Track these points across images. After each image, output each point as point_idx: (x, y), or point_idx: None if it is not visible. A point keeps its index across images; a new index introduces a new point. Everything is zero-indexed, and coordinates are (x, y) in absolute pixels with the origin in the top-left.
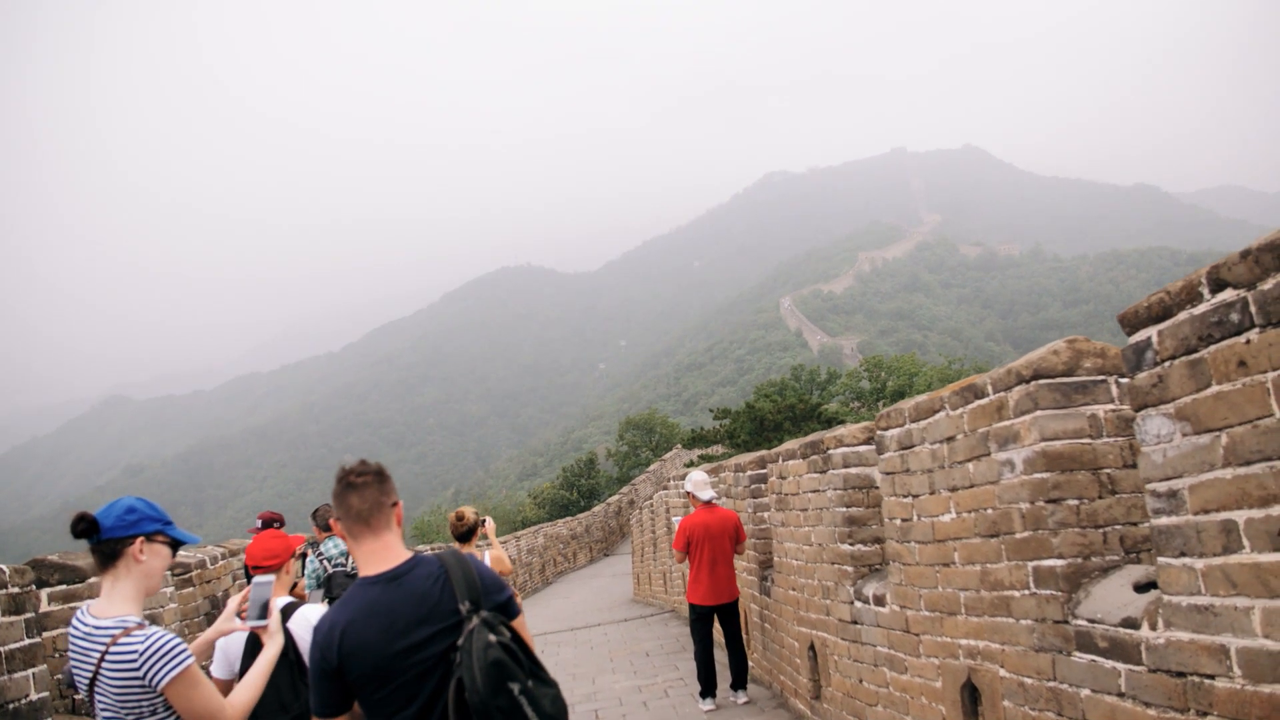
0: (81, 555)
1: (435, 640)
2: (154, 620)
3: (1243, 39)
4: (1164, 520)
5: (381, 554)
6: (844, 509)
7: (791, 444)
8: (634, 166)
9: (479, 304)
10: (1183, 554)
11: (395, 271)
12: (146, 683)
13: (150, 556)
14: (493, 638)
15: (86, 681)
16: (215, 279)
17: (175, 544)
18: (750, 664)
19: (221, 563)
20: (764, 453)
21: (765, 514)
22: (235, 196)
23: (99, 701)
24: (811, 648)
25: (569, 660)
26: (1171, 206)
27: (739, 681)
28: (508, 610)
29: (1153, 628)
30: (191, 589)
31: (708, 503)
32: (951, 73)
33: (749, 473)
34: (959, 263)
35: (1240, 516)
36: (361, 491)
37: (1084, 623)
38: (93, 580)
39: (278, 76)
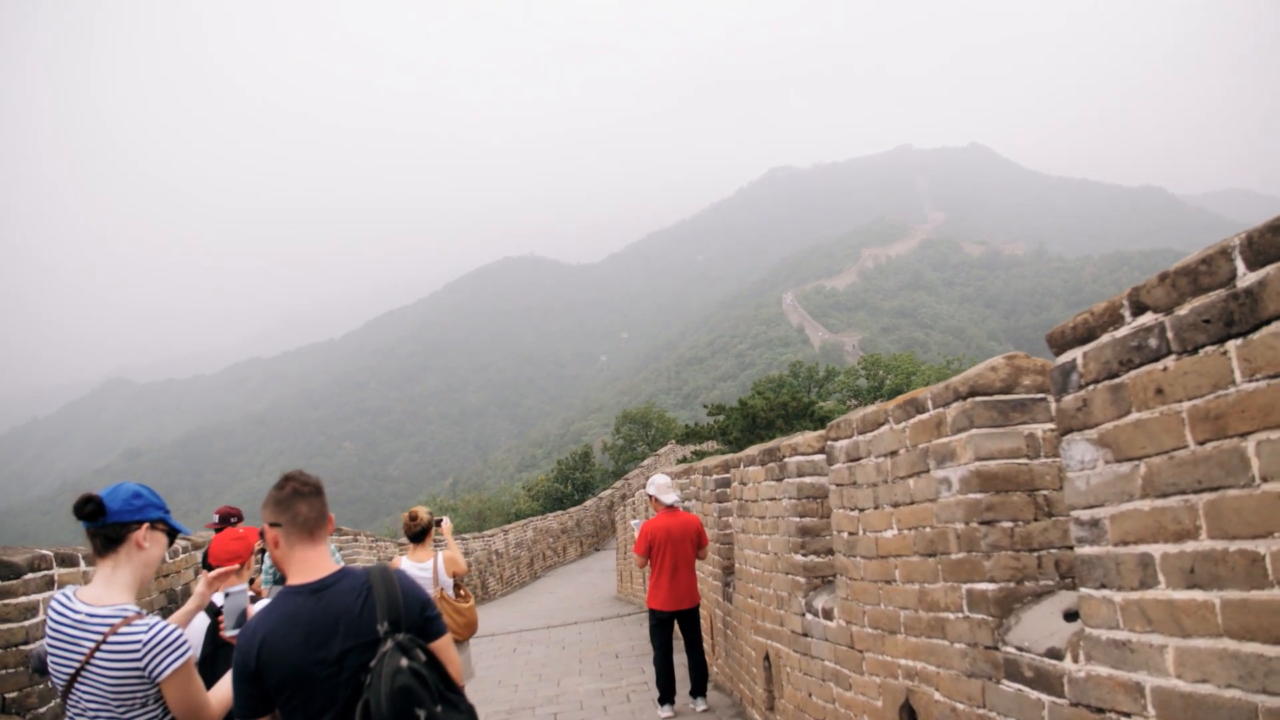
0: (19, 550)
1: (351, 655)
2: None
3: (1251, 41)
4: (1086, 550)
5: (314, 563)
6: (798, 518)
7: (752, 450)
8: (638, 159)
9: (481, 294)
10: (1103, 585)
11: (397, 260)
12: (146, 674)
13: (152, 544)
14: (404, 662)
15: (70, 671)
16: (217, 265)
17: (172, 533)
18: (714, 669)
19: (183, 556)
20: (728, 457)
21: (729, 519)
22: (238, 184)
23: (80, 691)
24: (766, 658)
25: (539, 660)
26: (1178, 209)
27: (698, 689)
28: (429, 631)
29: (1075, 660)
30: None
31: (670, 506)
32: (958, 69)
33: (714, 476)
34: (962, 261)
35: (1157, 551)
36: (310, 500)
37: (1013, 650)
38: (30, 576)
39: (281, 65)
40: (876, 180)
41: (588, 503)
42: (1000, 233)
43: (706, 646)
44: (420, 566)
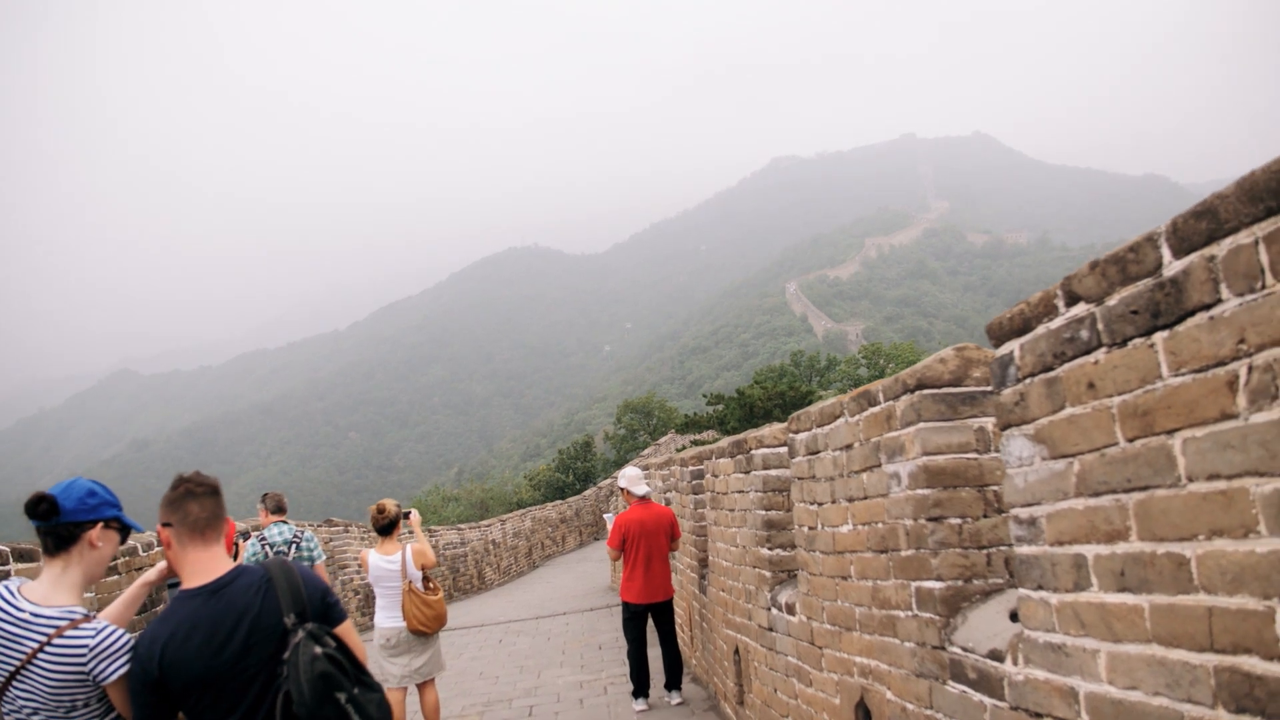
0: None
1: (257, 650)
2: None
3: (1255, 24)
4: (1024, 549)
5: (207, 564)
6: (764, 512)
7: (723, 442)
8: (642, 149)
9: (486, 284)
10: (1040, 587)
11: (402, 251)
12: (90, 677)
13: (105, 543)
14: (318, 650)
15: (8, 670)
16: (222, 256)
17: (125, 531)
18: (693, 662)
19: (156, 550)
20: (702, 449)
21: (704, 511)
22: (242, 175)
23: (17, 690)
24: (736, 652)
25: (523, 651)
26: (1181, 197)
27: (673, 682)
28: (331, 617)
29: (1015, 663)
30: (118, 577)
31: (642, 498)
32: (962, 48)
33: (690, 468)
34: (966, 250)
35: (1090, 552)
36: (202, 500)
37: (958, 650)
38: None
39: (284, 54)
40: (880, 169)
41: (587, 492)
42: (1003, 222)
43: (685, 639)
44: (388, 559)
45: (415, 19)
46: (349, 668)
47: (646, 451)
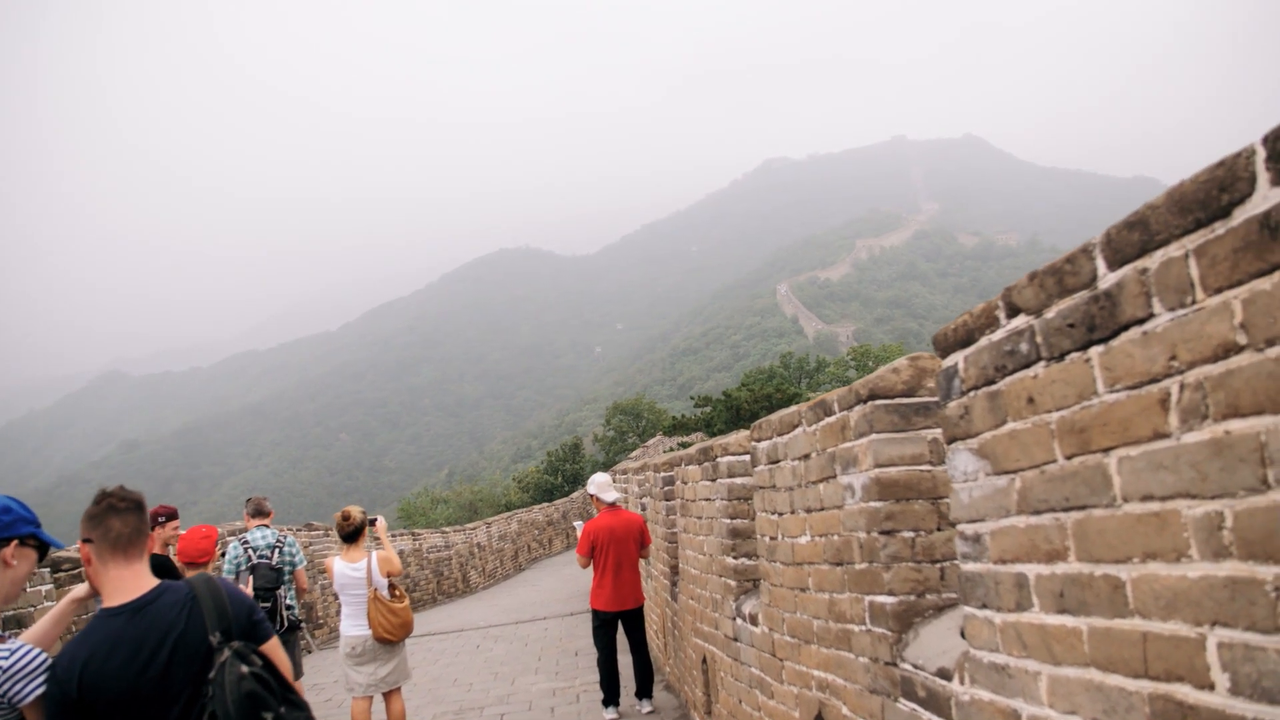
0: None
1: (181, 669)
2: (22, 623)
3: (1246, 28)
4: (969, 566)
5: (130, 582)
6: (729, 520)
7: (692, 449)
8: (634, 150)
9: (477, 286)
10: (984, 605)
11: (394, 252)
12: (5, 699)
13: (20, 561)
14: (245, 669)
15: None
16: (213, 256)
17: (44, 548)
18: (666, 670)
19: None
20: (673, 455)
21: (675, 517)
22: (234, 174)
23: None
24: (705, 661)
25: (499, 657)
26: None
27: (644, 690)
28: (257, 635)
29: (962, 682)
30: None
31: (612, 505)
32: (952, 58)
33: (662, 475)
34: (956, 252)
35: (1031, 571)
36: (124, 516)
37: (909, 667)
38: None
39: (278, 52)
40: (871, 171)
41: (574, 495)
42: (994, 223)
43: (659, 646)
44: (353, 567)
45: (410, 18)
46: (275, 686)
47: (635, 454)
